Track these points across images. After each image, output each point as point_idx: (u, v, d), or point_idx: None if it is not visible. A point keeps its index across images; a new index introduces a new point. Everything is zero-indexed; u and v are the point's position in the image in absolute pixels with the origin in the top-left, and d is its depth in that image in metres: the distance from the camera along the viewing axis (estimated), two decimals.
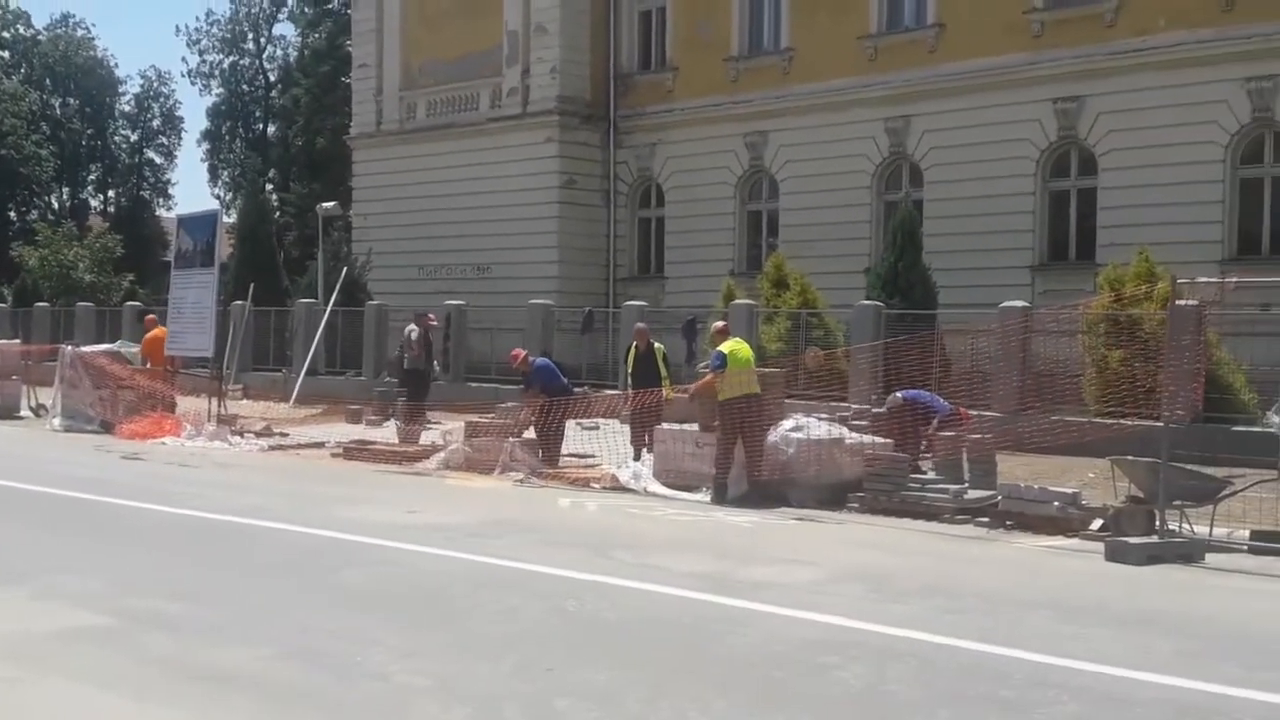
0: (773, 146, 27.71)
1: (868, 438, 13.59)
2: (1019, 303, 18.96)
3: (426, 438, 17.65)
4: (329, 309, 26.45)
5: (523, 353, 16.43)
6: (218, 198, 59.38)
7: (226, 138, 60.81)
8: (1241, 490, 10.78)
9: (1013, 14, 23.80)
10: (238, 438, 18.47)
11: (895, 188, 26.09)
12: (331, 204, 30.45)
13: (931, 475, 12.97)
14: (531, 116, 30.39)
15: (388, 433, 18.83)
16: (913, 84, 25.22)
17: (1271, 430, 11.87)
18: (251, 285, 26.61)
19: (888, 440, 13.64)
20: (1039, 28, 23.68)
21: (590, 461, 15.66)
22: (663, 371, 16.26)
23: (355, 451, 16.91)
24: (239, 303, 26.84)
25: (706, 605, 7.76)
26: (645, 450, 15.16)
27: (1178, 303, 11.10)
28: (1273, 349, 17.28)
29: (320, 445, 17.90)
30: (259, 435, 18.81)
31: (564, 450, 15.85)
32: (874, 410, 15.15)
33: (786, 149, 27.39)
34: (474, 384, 24.23)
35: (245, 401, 23.90)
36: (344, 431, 19.38)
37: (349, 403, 22.66)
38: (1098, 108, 22.90)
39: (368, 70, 34.24)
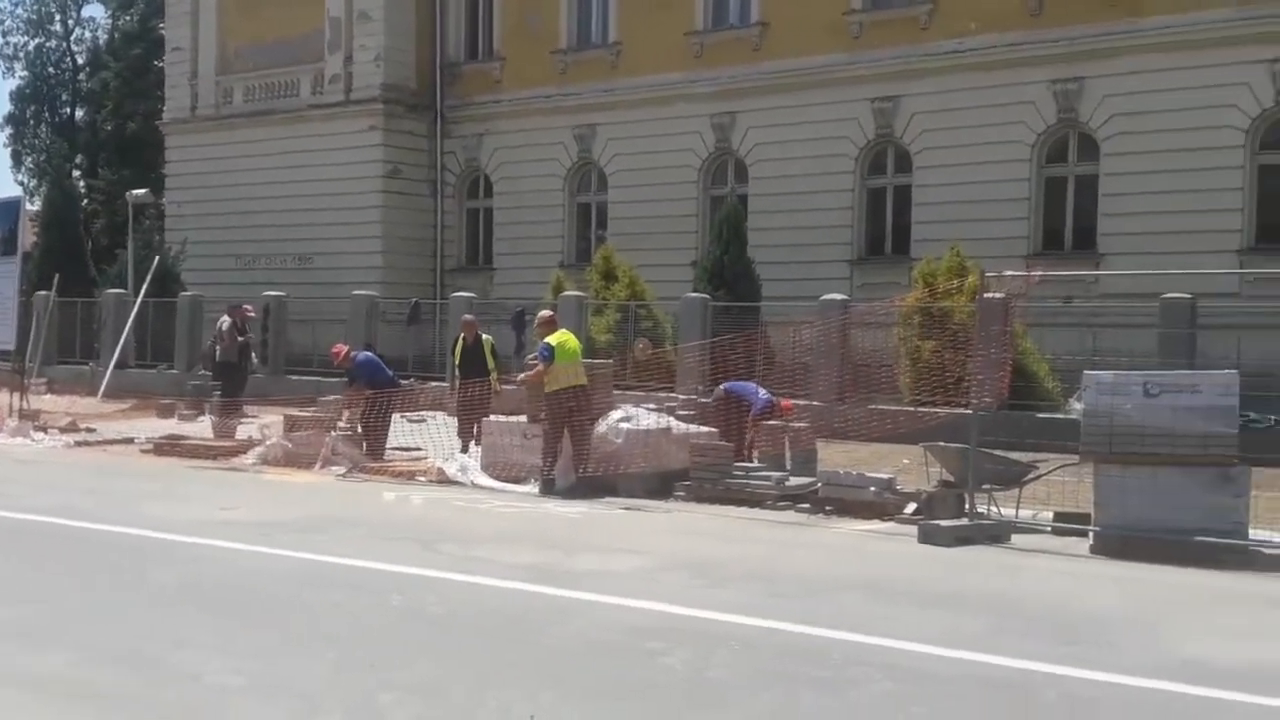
0: (601, 139, 27.81)
1: (694, 428, 13.79)
2: (838, 296, 19.49)
3: (243, 432, 17.16)
4: (139, 300, 25.45)
5: (344, 349, 16.08)
6: (21, 184, 56.42)
7: (31, 122, 57.82)
8: (1045, 474, 11.30)
9: (833, 15, 24.41)
10: (41, 434, 17.61)
11: (721, 183, 26.49)
12: (143, 191, 29.24)
13: (755, 464, 13.24)
14: (355, 104, 29.81)
15: (202, 428, 18.22)
16: (738, 81, 25.64)
17: (1073, 417, 12.45)
18: (56, 275, 25.39)
19: (714, 430, 13.87)
20: (858, 29, 24.36)
21: (416, 455, 15.44)
22: (490, 363, 16.16)
23: (167, 447, 16.32)
24: (43, 293, 25.58)
25: (534, 596, 7.75)
26: (473, 443, 15.06)
27: (986, 295, 11.55)
28: (1074, 339, 18.15)
29: (130, 441, 17.22)
30: (64, 431, 17.97)
31: (389, 443, 15.60)
32: (700, 400, 15.37)
33: (615, 142, 27.52)
34: (294, 377, 23.70)
35: (49, 396, 22.84)
36: (155, 427, 18.68)
37: (161, 397, 21.89)
38: (913, 107, 23.68)
39: (181, 54, 33.05)
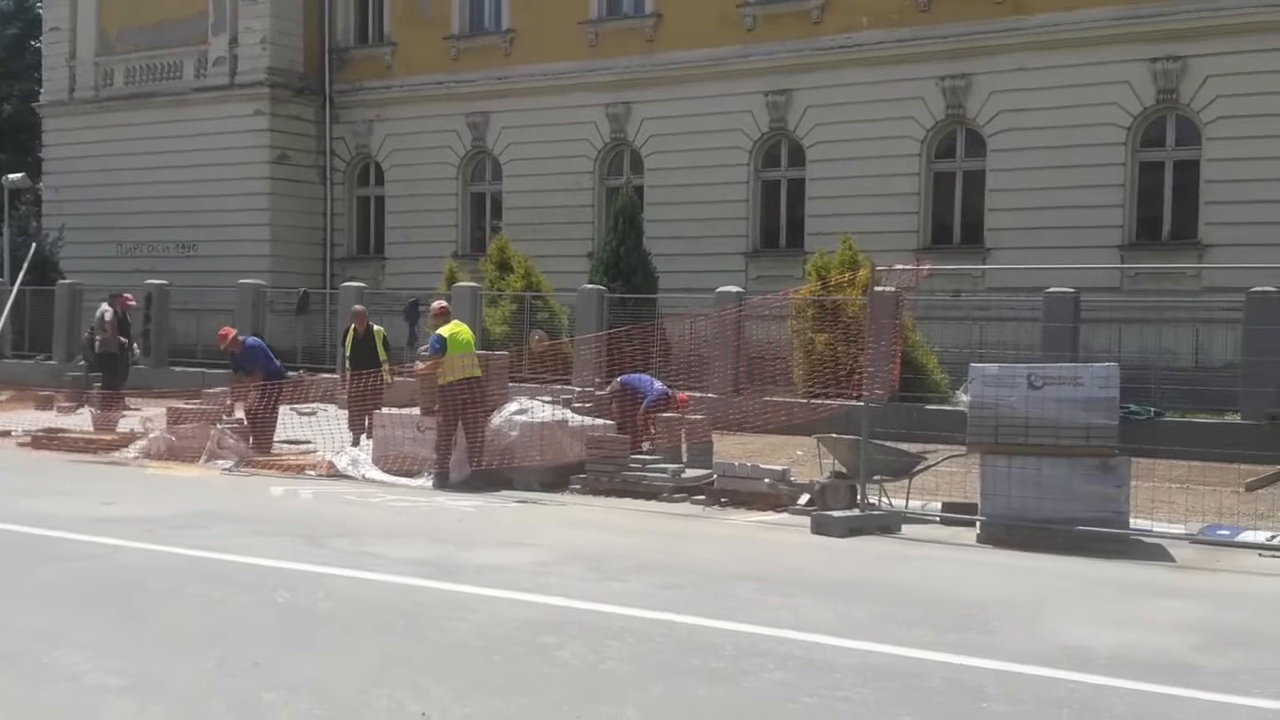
0: (495, 128, 27.63)
1: (591, 420, 13.81)
2: (734, 288, 19.63)
3: (125, 425, 16.73)
4: (16, 288, 24.64)
5: (231, 331, 15.73)
6: None
7: None
8: (934, 465, 11.57)
9: (726, 7, 24.55)
10: None
11: (617, 173, 26.49)
12: (19, 175, 28.27)
13: (651, 456, 13.30)
14: (240, 88, 29.15)
15: (82, 420, 17.72)
16: (632, 71, 25.65)
17: (961, 408, 12.73)
18: None
19: (610, 423, 13.91)
20: (751, 21, 24.53)
21: (306, 448, 15.22)
22: (383, 355, 15.98)
23: (45, 440, 15.86)
24: None
25: (426, 591, 7.69)
26: (365, 436, 14.88)
27: (877, 289, 11.73)
28: (962, 332, 18.56)
29: (7, 434, 16.70)
30: None
31: (278, 437, 15.35)
32: (596, 393, 15.39)
33: (509, 131, 27.37)
34: (178, 368, 23.19)
35: None
36: (33, 419, 18.13)
37: (39, 388, 21.25)
38: (806, 101, 23.94)
39: (60, 34, 31.98)
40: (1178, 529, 10.27)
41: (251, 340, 15.88)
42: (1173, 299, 19.10)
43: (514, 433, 13.01)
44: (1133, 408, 15.05)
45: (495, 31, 27.86)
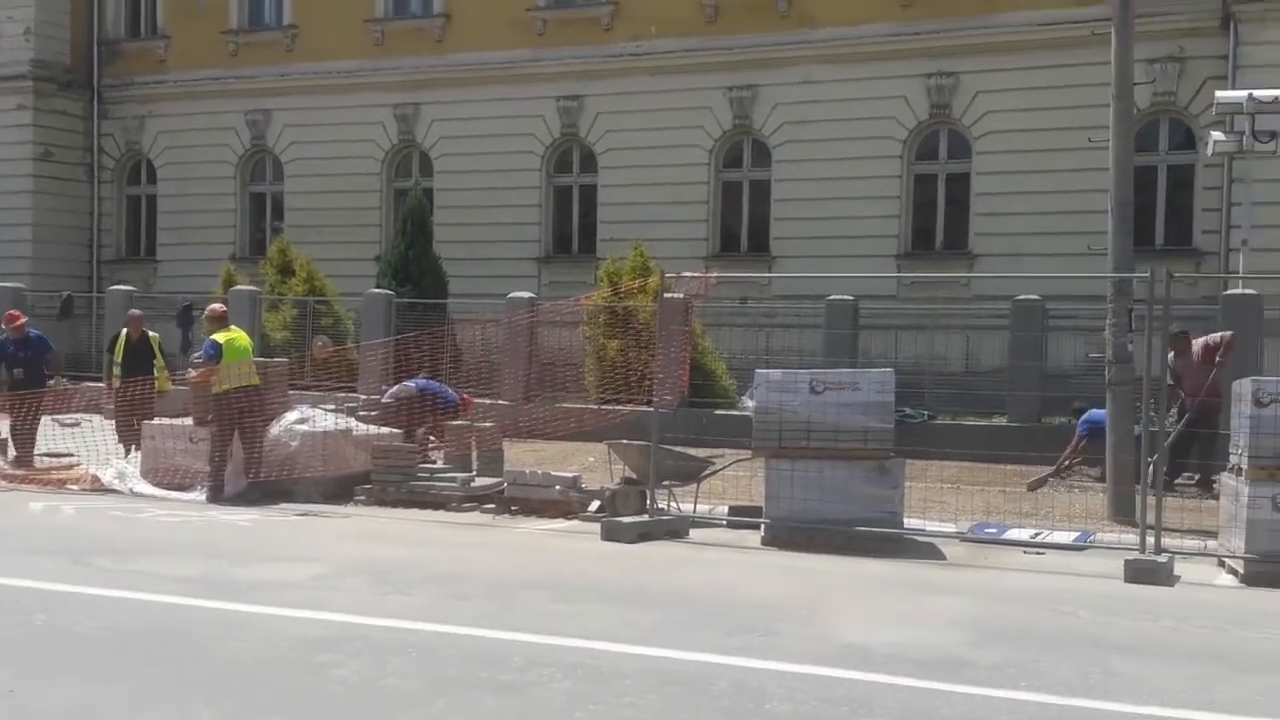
0: (276, 126, 26.87)
1: (376, 429, 13.55)
2: (525, 294, 19.61)
3: None
4: None
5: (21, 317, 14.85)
6: None
7: None
8: (721, 469, 11.79)
9: (517, 10, 24.54)
10: None
11: (406, 175, 26.11)
12: None
13: (440, 465, 13.15)
14: (2, 81, 27.54)
15: None
16: (421, 72, 25.35)
17: (747, 413, 13.00)
18: None
19: (397, 431, 13.67)
20: (542, 26, 24.57)
21: (69, 461, 14.43)
22: (160, 361, 15.30)
23: None
24: None
25: (197, 610, 7.39)
26: (135, 447, 14.22)
27: (667, 295, 11.90)
28: (749, 338, 19.00)
29: None
30: None
31: (38, 449, 14.51)
32: (383, 401, 15.12)
33: (292, 129, 26.65)
34: None
35: None
36: None
37: None
38: (597, 107, 24.12)
39: None
40: (949, 528, 10.72)
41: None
42: (945, 306, 20.00)
43: (294, 443, 12.64)
44: (908, 411, 15.70)
45: (276, 27, 27.11)
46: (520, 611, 7.50)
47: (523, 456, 14.29)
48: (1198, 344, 13.90)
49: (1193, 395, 13.49)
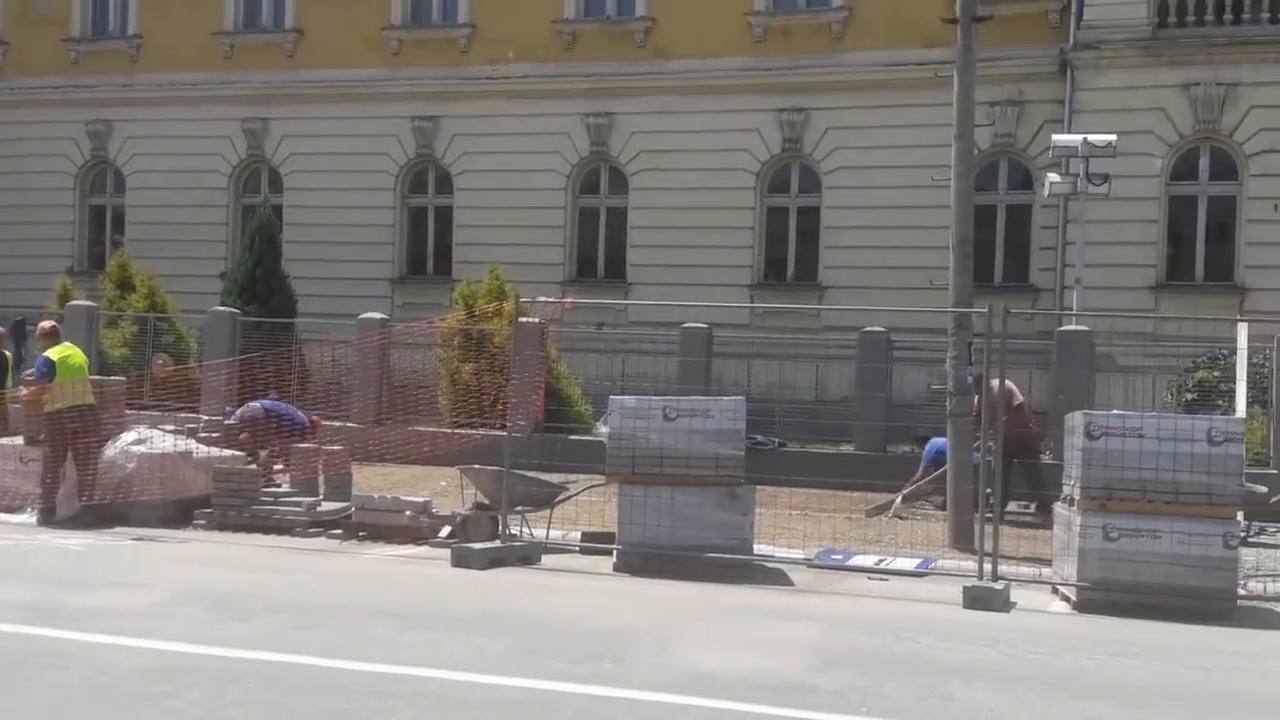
0: (119, 138, 26.03)
1: (218, 451, 13.17)
2: (378, 315, 19.32)
3: None
4: None
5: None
6: None
7: None
8: (575, 495, 11.76)
9: (372, 29, 24.29)
10: None
11: (255, 191, 25.53)
12: None
13: (285, 488, 12.84)
14: None
15: None
16: (272, 87, 24.88)
17: (601, 439, 13.02)
18: None
19: (240, 453, 13.31)
20: (397, 45, 24.35)
21: None
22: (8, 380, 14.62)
23: None
24: None
25: (24, 639, 7.06)
26: None
27: (522, 320, 11.86)
28: (605, 364, 19.06)
29: None
30: None
31: None
32: (226, 422, 14.72)
33: (135, 141, 25.86)
34: None
35: None
36: None
37: None
38: (453, 129, 23.98)
39: None
40: (796, 554, 10.89)
41: None
42: (795, 336, 20.36)
43: (131, 464, 12.21)
44: (759, 438, 15.93)
45: (121, 36, 26.31)
46: (365, 640, 7.36)
47: (372, 480, 14.05)
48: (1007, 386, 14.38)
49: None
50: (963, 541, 11.65)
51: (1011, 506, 13.58)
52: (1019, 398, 14.42)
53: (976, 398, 13.77)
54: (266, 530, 11.74)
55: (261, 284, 20.78)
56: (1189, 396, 16.03)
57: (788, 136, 22.30)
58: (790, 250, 22.68)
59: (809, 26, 22.29)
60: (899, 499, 14.04)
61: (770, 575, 10.26)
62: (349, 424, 16.47)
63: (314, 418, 14.52)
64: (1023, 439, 13.63)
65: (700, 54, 22.50)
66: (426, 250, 24.67)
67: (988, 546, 9.80)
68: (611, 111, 23.12)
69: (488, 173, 23.59)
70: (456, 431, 15.94)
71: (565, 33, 23.33)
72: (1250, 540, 12.06)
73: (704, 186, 22.34)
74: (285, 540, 11.48)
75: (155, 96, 25.50)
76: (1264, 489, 12.74)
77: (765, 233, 22.74)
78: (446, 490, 13.41)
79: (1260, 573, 10.57)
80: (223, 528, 11.86)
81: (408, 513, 11.63)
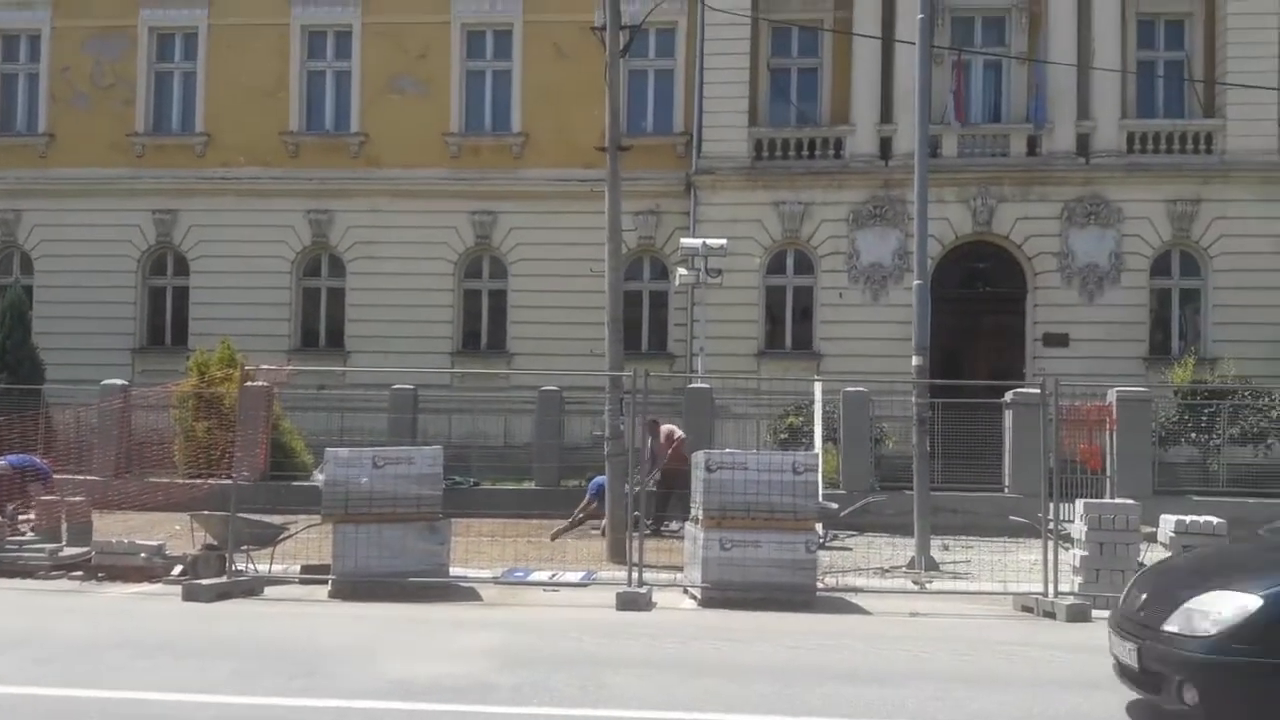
0: None
1: None
2: (119, 381, 17.87)
3: None
4: None
5: None
6: None
7: None
8: (295, 534, 11.21)
9: (117, 135, 22.67)
10: None
11: (7, 273, 23.05)
12: None
13: (30, 536, 11.57)
14: None
15: None
16: (24, 183, 22.68)
17: (319, 485, 12.48)
18: None
19: None
20: (141, 149, 22.82)
21: None
22: None
23: None
24: None
25: None
26: None
27: (248, 384, 11.25)
28: (326, 420, 18.31)
29: None
30: None
31: None
32: None
33: None
34: None
35: None
36: None
37: None
38: (190, 220, 22.60)
39: None
40: (486, 573, 10.78)
41: None
42: (488, 394, 20.30)
43: None
44: (457, 479, 15.71)
45: None
46: (101, 669, 6.72)
47: (112, 527, 12.86)
48: (664, 429, 14.96)
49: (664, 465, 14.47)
50: (618, 556, 11.88)
51: (674, 526, 13.85)
52: (679, 435, 14.93)
53: (650, 439, 14.21)
54: (11, 574, 10.54)
55: (11, 355, 18.94)
56: (783, 436, 17.03)
57: (479, 234, 22.33)
58: (484, 324, 22.62)
59: (494, 147, 22.47)
60: (570, 524, 14.17)
61: (464, 593, 10.11)
62: (90, 476, 15.04)
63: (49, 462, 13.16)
64: (681, 473, 14.07)
65: (405, 164, 22.23)
66: (165, 323, 23.02)
67: (635, 559, 10.05)
68: (330, 209, 22.44)
69: (221, 258, 22.33)
70: (188, 481, 14.85)
71: (290, 143, 22.53)
72: (826, 546, 12.92)
73: (410, 272, 21.99)
74: (29, 583, 10.34)
75: None
76: (835, 505, 13.73)
77: (463, 310, 22.59)
78: (180, 534, 12.44)
79: (834, 570, 11.35)
80: None
81: (143, 554, 10.72)
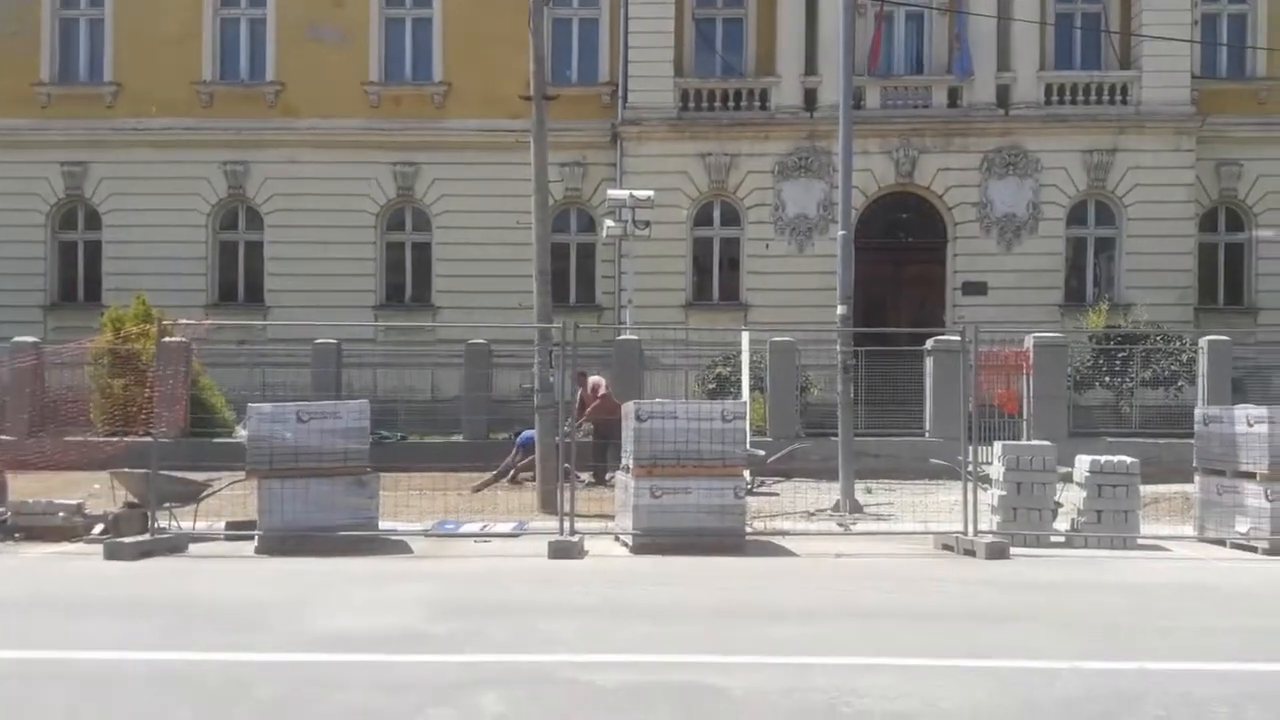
0: None
1: None
2: (30, 338, 17.30)
3: None
4: None
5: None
6: None
7: None
8: (219, 490, 11.02)
9: (22, 86, 21.75)
10: None
11: None
12: None
13: None
14: None
15: None
16: None
17: (243, 441, 12.27)
18: None
19: None
20: (46, 99, 21.94)
21: None
22: None
23: None
24: None
25: None
26: None
27: (165, 340, 10.98)
28: (247, 376, 17.95)
29: None
30: None
31: None
32: None
33: None
34: None
35: None
36: None
37: None
38: (101, 173, 21.82)
39: None
40: (416, 527, 10.75)
41: None
42: (414, 348, 20.08)
43: None
44: (384, 433, 15.56)
45: None
46: (28, 630, 6.56)
47: (30, 487, 12.46)
48: (591, 380, 14.97)
49: (591, 416, 14.51)
50: (549, 506, 11.91)
51: (607, 476, 13.88)
52: (604, 388, 14.94)
53: (580, 390, 14.20)
54: None
55: None
56: (711, 386, 17.19)
57: (401, 185, 21.94)
58: (408, 277, 22.31)
59: (416, 96, 22.02)
60: (494, 476, 14.15)
61: (394, 546, 10.06)
62: (3, 436, 14.57)
63: None
64: (611, 423, 14.10)
65: (323, 114, 21.69)
66: (77, 279, 22.27)
67: (566, 508, 10.10)
68: (247, 160, 21.84)
69: (134, 211, 21.63)
70: (105, 439, 14.47)
71: (203, 93, 21.83)
72: (754, 491, 13.13)
73: (331, 224, 21.55)
74: None
75: None
76: (762, 452, 13.93)
77: (386, 263, 22.24)
78: (99, 493, 12.12)
79: (762, 515, 11.55)
80: None
81: (61, 514, 10.48)
